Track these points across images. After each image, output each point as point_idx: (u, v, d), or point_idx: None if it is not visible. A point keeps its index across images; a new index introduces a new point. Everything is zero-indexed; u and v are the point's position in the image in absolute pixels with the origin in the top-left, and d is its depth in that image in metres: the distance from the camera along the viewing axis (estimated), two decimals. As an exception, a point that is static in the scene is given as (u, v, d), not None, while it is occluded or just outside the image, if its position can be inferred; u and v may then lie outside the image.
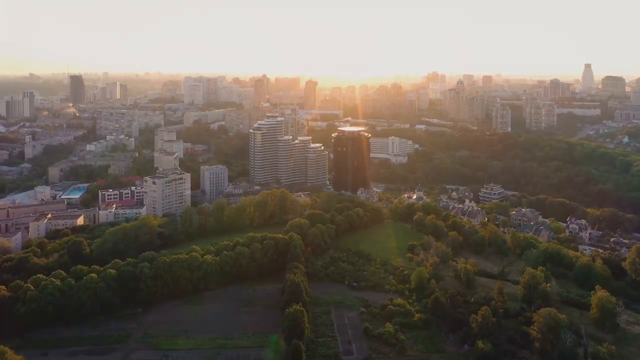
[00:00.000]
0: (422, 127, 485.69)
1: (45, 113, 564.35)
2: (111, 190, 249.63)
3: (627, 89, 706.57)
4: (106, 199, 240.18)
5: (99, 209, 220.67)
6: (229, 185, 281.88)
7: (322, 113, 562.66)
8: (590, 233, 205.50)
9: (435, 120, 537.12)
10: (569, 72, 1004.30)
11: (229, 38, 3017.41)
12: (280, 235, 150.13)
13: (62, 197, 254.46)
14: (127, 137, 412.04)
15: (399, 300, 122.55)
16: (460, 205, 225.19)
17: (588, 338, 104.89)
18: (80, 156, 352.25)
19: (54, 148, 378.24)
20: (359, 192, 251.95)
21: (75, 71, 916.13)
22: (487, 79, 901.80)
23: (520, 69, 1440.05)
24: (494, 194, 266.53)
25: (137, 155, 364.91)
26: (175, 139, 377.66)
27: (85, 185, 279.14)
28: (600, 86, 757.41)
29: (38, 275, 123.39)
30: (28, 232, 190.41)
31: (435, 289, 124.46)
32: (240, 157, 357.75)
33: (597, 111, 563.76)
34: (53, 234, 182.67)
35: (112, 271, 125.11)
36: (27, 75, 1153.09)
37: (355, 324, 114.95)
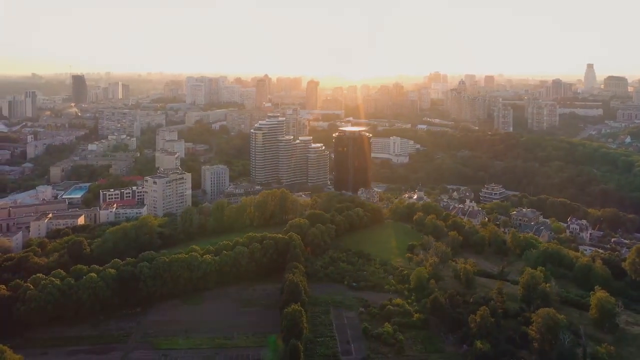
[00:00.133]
0: (424, 127, 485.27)
1: (48, 113, 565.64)
2: (112, 190, 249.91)
3: (630, 89, 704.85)
4: (107, 198, 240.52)
5: (100, 209, 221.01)
6: (230, 185, 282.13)
7: (324, 113, 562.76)
8: (591, 233, 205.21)
9: (436, 120, 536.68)
10: (571, 72, 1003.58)
11: (231, 38, 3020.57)
12: (280, 235, 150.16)
13: (63, 196, 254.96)
14: (128, 137, 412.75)
15: (398, 300, 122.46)
16: (461, 206, 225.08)
17: (587, 338, 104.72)
18: (82, 156, 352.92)
19: (55, 148, 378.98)
20: (359, 192, 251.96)
21: (77, 71, 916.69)
22: (489, 79, 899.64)
23: (522, 69, 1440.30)
24: (495, 194, 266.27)
25: (138, 155, 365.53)
26: (176, 138, 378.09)
27: (87, 185, 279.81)
28: (602, 86, 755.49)
29: (38, 274, 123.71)
30: (29, 231, 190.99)
31: (434, 289, 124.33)
32: (241, 157, 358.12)
33: (600, 111, 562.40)
34: (54, 234, 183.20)
35: (112, 271, 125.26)
36: (29, 75, 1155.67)
37: (354, 324, 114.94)
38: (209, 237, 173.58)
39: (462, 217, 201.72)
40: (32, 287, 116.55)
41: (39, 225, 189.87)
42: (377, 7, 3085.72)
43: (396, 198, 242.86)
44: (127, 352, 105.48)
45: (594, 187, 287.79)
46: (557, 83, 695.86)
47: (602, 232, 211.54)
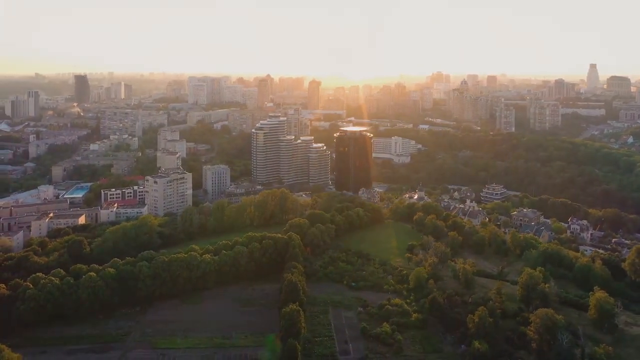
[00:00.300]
0: (425, 127, 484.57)
1: (50, 113, 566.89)
2: (114, 189, 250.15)
3: (633, 89, 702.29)
4: (108, 198, 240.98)
5: (101, 209, 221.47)
6: (231, 185, 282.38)
7: (326, 113, 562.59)
8: (592, 234, 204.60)
9: (438, 120, 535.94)
10: (574, 72, 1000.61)
11: (234, 38, 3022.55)
12: (279, 235, 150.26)
13: (65, 196, 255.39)
14: (130, 137, 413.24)
15: (397, 300, 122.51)
16: (461, 206, 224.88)
17: (586, 339, 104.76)
18: (84, 156, 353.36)
19: (57, 147, 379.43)
20: (360, 192, 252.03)
21: (80, 71, 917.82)
22: (492, 79, 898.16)
23: (525, 69, 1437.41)
24: (496, 194, 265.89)
25: (140, 154, 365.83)
26: (178, 138, 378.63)
27: (88, 184, 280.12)
28: (605, 86, 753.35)
29: (37, 274, 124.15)
30: (30, 231, 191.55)
31: (433, 289, 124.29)
32: (243, 156, 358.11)
33: (602, 111, 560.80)
34: (54, 233, 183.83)
35: (111, 270, 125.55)
36: (32, 75, 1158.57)
37: (352, 324, 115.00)
38: (209, 237, 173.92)
39: (463, 217, 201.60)
40: (31, 286, 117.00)
41: (40, 225, 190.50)
42: (379, 7, 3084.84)
43: (397, 198, 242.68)
44: (126, 351, 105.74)
45: (595, 188, 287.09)
46: (559, 83, 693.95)
47: (603, 233, 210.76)
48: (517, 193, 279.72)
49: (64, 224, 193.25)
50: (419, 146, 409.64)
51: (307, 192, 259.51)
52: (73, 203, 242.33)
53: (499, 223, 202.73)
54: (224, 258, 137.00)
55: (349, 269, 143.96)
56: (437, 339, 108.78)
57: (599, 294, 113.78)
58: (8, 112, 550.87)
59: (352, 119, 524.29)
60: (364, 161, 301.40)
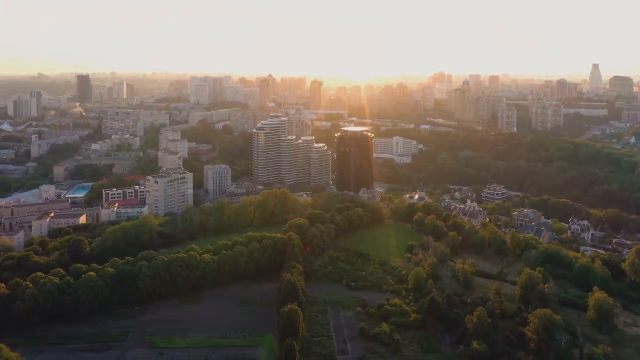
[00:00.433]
0: (427, 127, 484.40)
1: (52, 112, 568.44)
2: (115, 189, 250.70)
3: (635, 89, 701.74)
4: (110, 198, 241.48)
5: (102, 208, 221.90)
6: (232, 185, 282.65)
7: (327, 113, 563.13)
8: (592, 234, 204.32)
9: (440, 120, 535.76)
10: (577, 72, 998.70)
11: (236, 38, 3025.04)
12: (279, 235, 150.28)
13: (66, 196, 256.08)
14: (132, 137, 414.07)
15: (396, 300, 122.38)
16: (462, 206, 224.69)
17: (584, 339, 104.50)
18: (85, 155, 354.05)
19: (59, 147, 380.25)
20: (361, 192, 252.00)
21: (83, 71, 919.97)
22: (494, 79, 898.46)
23: (527, 69, 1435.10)
24: (497, 194, 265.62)
25: (141, 154, 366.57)
26: (179, 138, 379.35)
27: (90, 184, 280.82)
28: (608, 86, 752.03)
29: (37, 273, 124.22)
30: (31, 230, 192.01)
31: (432, 289, 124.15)
32: (244, 156, 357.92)
33: (604, 111, 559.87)
34: (55, 233, 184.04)
35: (111, 270, 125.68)
36: (35, 75, 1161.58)
37: (351, 324, 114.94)
38: (210, 236, 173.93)
39: (463, 217, 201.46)
40: (31, 285, 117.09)
41: (41, 224, 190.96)
42: (381, 6, 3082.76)
43: (398, 198, 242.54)
44: (125, 350, 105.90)
45: (597, 188, 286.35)
46: (561, 83, 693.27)
47: (604, 233, 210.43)
48: (518, 193, 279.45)
49: (65, 223, 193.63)
50: (420, 146, 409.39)
51: (308, 192, 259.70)
52: (74, 203, 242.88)
53: (499, 223, 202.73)
54: (223, 258, 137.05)
55: (348, 269, 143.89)
56: (436, 339, 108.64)
57: (598, 295, 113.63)
58: (10, 112, 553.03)
59: (354, 118, 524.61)
60: (365, 161, 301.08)
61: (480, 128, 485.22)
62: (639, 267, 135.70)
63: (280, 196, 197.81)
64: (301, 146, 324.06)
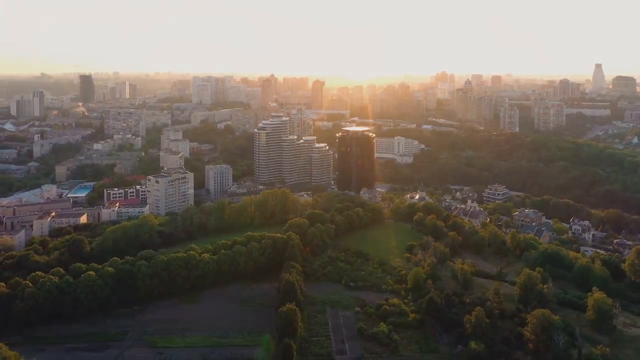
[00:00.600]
0: (429, 127, 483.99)
1: (55, 112, 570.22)
2: (116, 189, 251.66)
3: (638, 89, 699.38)
4: (111, 197, 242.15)
5: (103, 208, 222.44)
6: (233, 185, 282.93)
7: (329, 113, 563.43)
8: (593, 234, 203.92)
9: (442, 120, 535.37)
10: (580, 72, 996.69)
11: (239, 38, 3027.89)
12: (279, 235, 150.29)
13: (68, 195, 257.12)
14: (134, 137, 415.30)
15: (395, 300, 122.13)
16: (463, 206, 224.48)
17: (583, 339, 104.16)
18: (87, 155, 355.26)
19: (61, 147, 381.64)
20: (362, 192, 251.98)
21: (86, 71, 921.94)
22: (497, 79, 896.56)
23: (530, 69, 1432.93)
24: (498, 194, 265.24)
25: (143, 154, 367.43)
26: (181, 138, 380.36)
27: (92, 184, 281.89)
28: (611, 86, 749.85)
29: (37, 272, 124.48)
30: (33, 230, 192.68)
31: (431, 289, 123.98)
32: (245, 156, 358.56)
33: (607, 111, 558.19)
34: (56, 232, 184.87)
35: (110, 269, 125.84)
36: (38, 75, 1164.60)
37: (350, 324, 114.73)
38: (210, 236, 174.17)
39: (464, 217, 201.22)
40: (30, 284, 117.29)
41: (42, 224, 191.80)
42: (384, 7, 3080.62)
43: (399, 198, 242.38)
44: (124, 350, 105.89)
45: (598, 188, 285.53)
46: (564, 83, 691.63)
47: (605, 233, 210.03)
48: (520, 193, 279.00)
49: (66, 223, 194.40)
50: (422, 146, 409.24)
51: (309, 192, 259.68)
52: (76, 202, 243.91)
53: (500, 223, 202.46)
54: (222, 258, 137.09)
55: (347, 269, 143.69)
56: (434, 339, 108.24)
57: (597, 295, 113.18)
58: (13, 111, 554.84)
59: (356, 118, 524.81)
60: (366, 161, 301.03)
61: (482, 128, 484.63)
62: (639, 268, 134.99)
63: (280, 196, 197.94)
64: (302, 146, 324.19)
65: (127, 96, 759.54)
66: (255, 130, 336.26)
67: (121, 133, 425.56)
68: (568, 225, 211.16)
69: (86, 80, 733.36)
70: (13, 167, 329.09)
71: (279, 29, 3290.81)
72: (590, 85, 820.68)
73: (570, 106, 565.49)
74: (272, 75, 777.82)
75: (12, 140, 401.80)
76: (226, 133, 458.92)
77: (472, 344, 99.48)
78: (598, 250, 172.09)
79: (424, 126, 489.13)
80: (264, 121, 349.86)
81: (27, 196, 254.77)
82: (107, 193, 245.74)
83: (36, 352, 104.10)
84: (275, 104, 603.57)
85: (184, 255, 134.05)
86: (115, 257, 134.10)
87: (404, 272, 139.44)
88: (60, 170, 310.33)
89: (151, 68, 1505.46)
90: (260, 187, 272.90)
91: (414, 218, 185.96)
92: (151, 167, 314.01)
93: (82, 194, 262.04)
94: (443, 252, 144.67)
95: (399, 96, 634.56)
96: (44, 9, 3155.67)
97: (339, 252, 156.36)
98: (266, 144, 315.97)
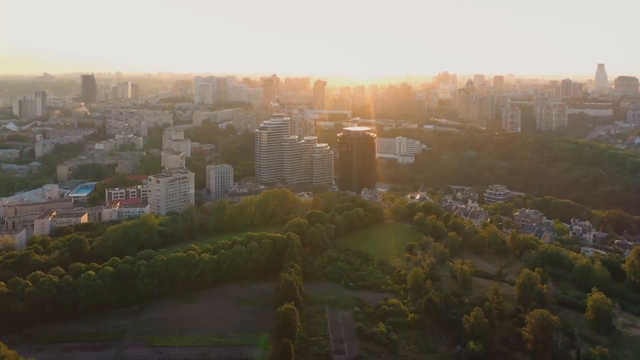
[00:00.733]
0: (430, 127, 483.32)
1: (57, 112, 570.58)
2: (118, 188, 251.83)
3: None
4: (112, 197, 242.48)
5: (104, 207, 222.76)
6: (234, 185, 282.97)
7: (331, 113, 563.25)
8: (594, 235, 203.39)
9: (443, 121, 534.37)
10: (582, 72, 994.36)
11: (241, 38, 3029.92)
12: (278, 235, 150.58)
13: (69, 195, 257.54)
14: (135, 137, 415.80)
15: (394, 300, 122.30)
16: (463, 206, 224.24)
17: (582, 340, 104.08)
18: (89, 155, 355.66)
19: (63, 147, 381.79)
20: (362, 192, 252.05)
21: (88, 71, 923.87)
22: (499, 79, 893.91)
23: (533, 69, 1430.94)
24: (499, 194, 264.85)
25: (145, 154, 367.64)
26: (183, 138, 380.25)
27: (93, 183, 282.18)
28: (613, 86, 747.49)
29: (37, 271, 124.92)
30: (33, 229, 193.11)
31: (430, 289, 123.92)
32: (247, 156, 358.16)
33: (609, 112, 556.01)
34: (57, 232, 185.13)
35: (110, 269, 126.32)
36: (41, 75, 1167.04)
37: (348, 324, 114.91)
38: (210, 236, 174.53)
39: (464, 217, 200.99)
40: (30, 284, 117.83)
41: (43, 223, 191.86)
42: (387, 7, 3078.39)
43: (399, 198, 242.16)
44: (122, 349, 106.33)
45: (600, 188, 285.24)
46: (566, 83, 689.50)
47: (606, 234, 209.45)
48: (521, 194, 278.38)
49: (67, 222, 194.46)
50: (424, 146, 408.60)
51: (310, 192, 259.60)
52: (77, 202, 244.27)
53: (500, 224, 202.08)
54: (222, 257, 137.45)
55: (347, 269, 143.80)
56: (433, 339, 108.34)
57: (596, 295, 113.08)
58: (16, 111, 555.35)
59: (358, 119, 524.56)
60: (367, 161, 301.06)
61: (484, 128, 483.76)
62: (639, 268, 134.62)
63: (280, 196, 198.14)
64: (304, 146, 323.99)
65: (130, 96, 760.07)
66: (257, 130, 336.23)
67: (123, 133, 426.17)
68: (569, 226, 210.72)
69: (88, 80, 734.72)
70: (15, 166, 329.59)
71: (281, 29, 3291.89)
72: (593, 85, 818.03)
73: (572, 106, 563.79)
74: (274, 75, 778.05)
75: (15, 140, 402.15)
76: (228, 133, 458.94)
77: (471, 344, 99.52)
78: (598, 251, 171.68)
79: (426, 126, 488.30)
80: (265, 121, 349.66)
81: (28, 196, 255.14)
82: (108, 193, 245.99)
83: (35, 351, 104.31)
84: (277, 104, 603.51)
85: (184, 255, 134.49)
86: (115, 257, 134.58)
87: (403, 272, 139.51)
88: (62, 170, 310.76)
89: (153, 68, 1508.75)
90: (261, 187, 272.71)
91: (414, 218, 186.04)
92: (153, 167, 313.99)
93: (84, 194, 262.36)
94: (443, 252, 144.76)
95: (400, 96, 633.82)
96: (47, 9, 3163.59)
97: (339, 252, 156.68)
98: (267, 144, 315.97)
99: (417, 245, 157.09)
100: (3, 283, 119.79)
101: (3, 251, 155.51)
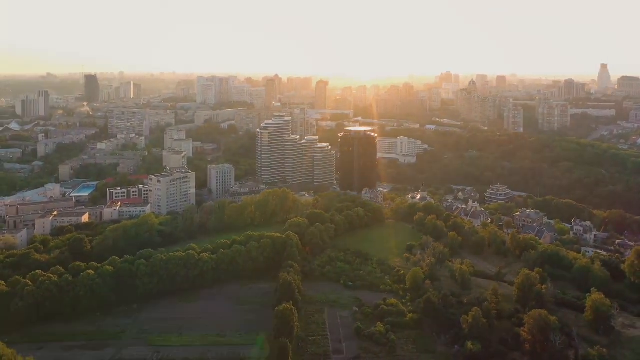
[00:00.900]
0: (432, 127, 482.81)
1: (60, 112, 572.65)
2: (119, 188, 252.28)
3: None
4: (114, 197, 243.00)
5: (105, 207, 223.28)
6: (235, 184, 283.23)
7: (333, 113, 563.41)
8: (595, 235, 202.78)
9: (445, 121, 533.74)
10: (585, 72, 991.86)
11: (243, 38, 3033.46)
12: (278, 235, 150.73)
13: (71, 194, 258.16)
14: (137, 136, 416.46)
15: (392, 300, 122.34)
16: (464, 206, 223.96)
17: (580, 340, 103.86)
18: (91, 155, 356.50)
19: (65, 146, 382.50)
20: (363, 192, 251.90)
21: (91, 71, 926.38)
22: (501, 79, 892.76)
23: (536, 69, 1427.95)
24: (500, 194, 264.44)
25: (146, 154, 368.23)
26: (184, 138, 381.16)
27: (95, 183, 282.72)
28: (616, 86, 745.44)
29: (37, 271, 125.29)
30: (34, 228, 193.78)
31: (429, 289, 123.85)
32: (248, 156, 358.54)
33: (612, 112, 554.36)
34: (57, 231, 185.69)
35: (109, 268, 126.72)
36: (44, 74, 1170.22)
37: (347, 323, 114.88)
38: (210, 236, 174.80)
39: (465, 217, 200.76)
40: (30, 283, 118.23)
41: (44, 223, 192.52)
42: (389, 7, 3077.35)
43: (400, 198, 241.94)
44: (121, 348, 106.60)
45: (602, 189, 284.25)
46: (569, 83, 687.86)
47: (607, 234, 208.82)
48: (522, 194, 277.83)
49: (68, 222, 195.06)
50: (425, 146, 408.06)
51: (310, 192, 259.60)
52: (79, 202, 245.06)
53: (501, 224, 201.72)
54: (221, 257, 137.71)
55: (346, 269, 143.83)
56: (431, 340, 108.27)
57: (595, 296, 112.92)
58: (19, 111, 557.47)
59: (359, 118, 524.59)
60: (368, 161, 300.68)
61: (486, 128, 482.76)
62: (639, 269, 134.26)
63: (281, 196, 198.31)
64: (305, 146, 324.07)
65: (132, 96, 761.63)
66: (258, 130, 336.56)
67: (125, 133, 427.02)
68: (570, 226, 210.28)
69: (91, 80, 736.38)
70: (17, 166, 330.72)
71: (283, 29, 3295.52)
72: (596, 85, 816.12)
73: (575, 106, 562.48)
74: (276, 75, 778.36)
75: (17, 140, 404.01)
76: (230, 133, 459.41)
77: (469, 344, 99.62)
78: (599, 251, 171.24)
79: (428, 126, 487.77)
80: (266, 121, 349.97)
81: (30, 195, 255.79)
82: (110, 192, 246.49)
83: (35, 350, 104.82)
84: (278, 104, 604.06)
85: (183, 254, 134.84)
86: (114, 256, 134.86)
87: (402, 272, 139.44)
88: (64, 169, 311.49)
89: (156, 68, 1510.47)
90: (263, 186, 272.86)
91: (415, 218, 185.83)
92: (154, 166, 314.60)
93: (85, 193, 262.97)
94: (442, 253, 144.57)
95: (402, 96, 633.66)
96: (50, 9, 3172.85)
97: (339, 252, 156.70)
98: (268, 143, 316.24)
99: (416, 245, 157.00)
100: (3, 282, 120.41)
101: (4, 250, 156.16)
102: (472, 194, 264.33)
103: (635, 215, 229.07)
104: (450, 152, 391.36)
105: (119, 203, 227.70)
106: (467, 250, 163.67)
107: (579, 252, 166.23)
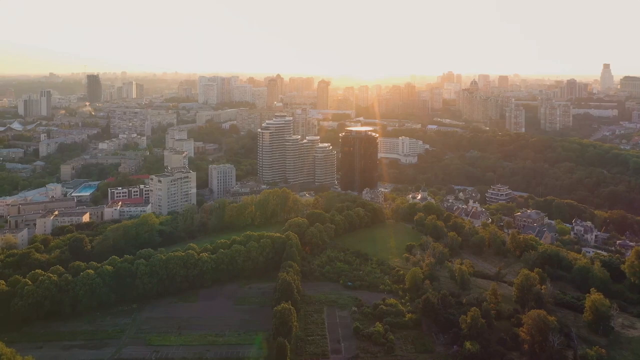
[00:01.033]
0: (434, 127, 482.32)
1: (62, 112, 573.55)
2: (120, 188, 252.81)
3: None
4: (115, 196, 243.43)
5: (106, 207, 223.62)
6: (236, 184, 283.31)
7: (335, 113, 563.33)
8: (596, 235, 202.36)
9: (447, 121, 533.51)
10: (588, 72, 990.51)
11: (246, 38, 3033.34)
12: (277, 234, 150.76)
13: (73, 194, 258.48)
14: (139, 136, 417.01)
15: (391, 300, 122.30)
16: (464, 206, 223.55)
17: (579, 340, 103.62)
18: (93, 154, 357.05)
19: (67, 146, 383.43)
20: (364, 192, 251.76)
21: (94, 71, 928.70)
22: (503, 79, 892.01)
23: (538, 69, 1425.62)
24: (501, 195, 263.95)
25: (148, 154, 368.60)
26: (186, 137, 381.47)
27: (96, 183, 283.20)
28: (619, 86, 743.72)
29: (36, 270, 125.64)
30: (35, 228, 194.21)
31: (428, 289, 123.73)
32: (250, 156, 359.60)
33: (615, 112, 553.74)
34: (58, 231, 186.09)
35: (109, 268, 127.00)
36: (47, 74, 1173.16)
37: (346, 323, 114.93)
38: (210, 235, 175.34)
39: (465, 217, 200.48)
40: (30, 282, 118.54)
41: (45, 222, 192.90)
42: (391, 7, 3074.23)
43: (401, 198, 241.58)
44: (120, 347, 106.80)
45: (603, 189, 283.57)
46: (571, 83, 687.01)
47: (608, 234, 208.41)
48: (523, 194, 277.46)
49: (68, 221, 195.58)
50: (427, 146, 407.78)
51: (311, 192, 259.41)
52: (80, 201, 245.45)
53: (501, 224, 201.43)
54: (221, 257, 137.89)
55: (346, 269, 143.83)
56: (430, 339, 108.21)
57: (594, 296, 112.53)
58: (21, 111, 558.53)
59: (361, 118, 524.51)
60: (369, 161, 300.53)
61: (487, 128, 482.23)
62: (639, 269, 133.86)
63: (281, 196, 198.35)
64: (306, 146, 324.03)
65: (134, 96, 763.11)
66: (259, 130, 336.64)
67: (126, 132, 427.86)
68: (571, 226, 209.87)
69: (93, 80, 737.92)
70: (19, 166, 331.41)
71: (285, 29, 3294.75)
72: (598, 85, 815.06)
73: (577, 106, 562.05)
74: (278, 75, 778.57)
75: (19, 140, 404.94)
76: (231, 133, 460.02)
77: (467, 344, 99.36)
78: (599, 252, 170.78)
79: (429, 126, 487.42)
80: (267, 121, 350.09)
81: (32, 195, 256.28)
82: (111, 192, 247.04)
83: (34, 349, 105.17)
84: (280, 104, 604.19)
85: (183, 254, 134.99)
86: (114, 256, 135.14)
87: (402, 272, 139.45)
88: (66, 169, 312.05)
89: (158, 68, 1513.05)
90: (263, 186, 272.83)
91: (415, 218, 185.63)
92: (155, 166, 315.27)
93: (87, 193, 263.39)
94: (442, 253, 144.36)
95: (404, 96, 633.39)
96: (53, 9, 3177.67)
97: (338, 251, 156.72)
98: (270, 143, 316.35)
99: (416, 246, 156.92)
100: (3, 281, 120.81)
101: (5, 250, 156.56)
102: (473, 194, 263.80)
103: (637, 216, 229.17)
104: (452, 152, 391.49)
105: (120, 203, 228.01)
106: (467, 250, 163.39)
107: (579, 252, 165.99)
